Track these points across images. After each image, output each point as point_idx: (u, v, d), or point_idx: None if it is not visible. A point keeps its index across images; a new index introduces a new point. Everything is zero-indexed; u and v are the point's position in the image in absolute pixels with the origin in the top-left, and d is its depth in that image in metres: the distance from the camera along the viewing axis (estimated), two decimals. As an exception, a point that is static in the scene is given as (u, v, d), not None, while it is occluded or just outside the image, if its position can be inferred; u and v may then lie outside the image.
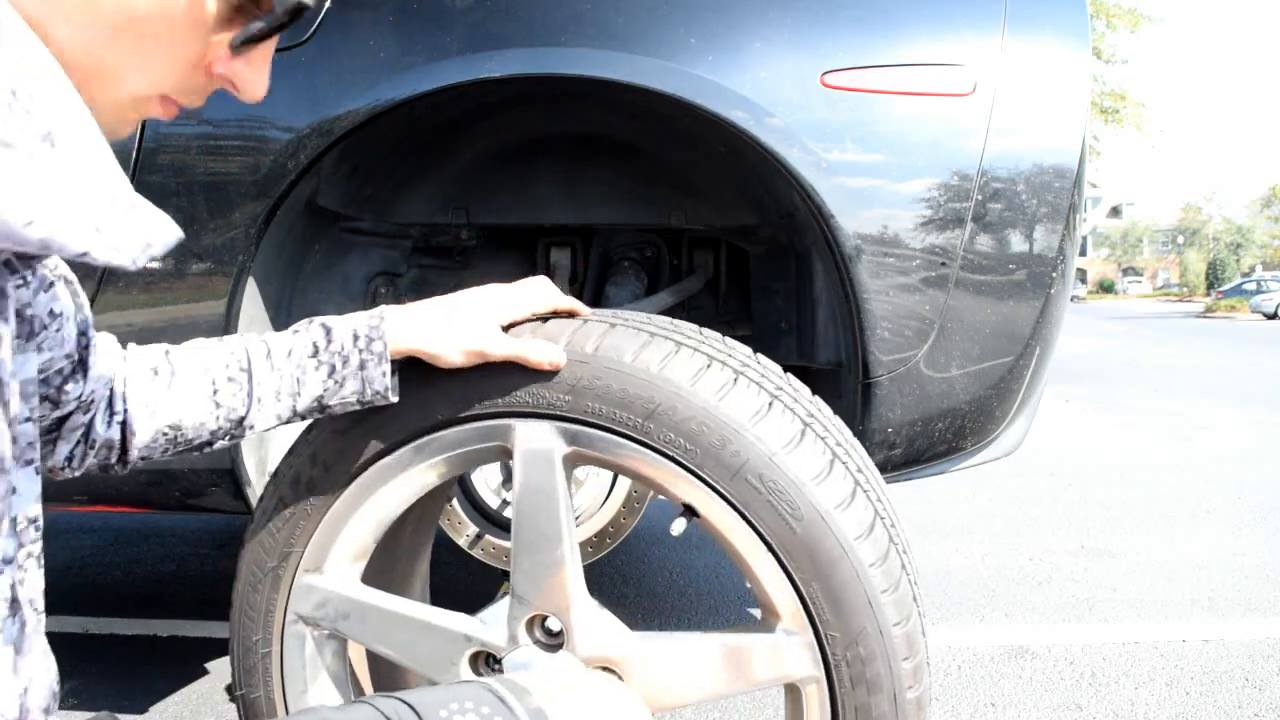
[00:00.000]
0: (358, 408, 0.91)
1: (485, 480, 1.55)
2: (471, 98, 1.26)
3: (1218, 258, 47.66)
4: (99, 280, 1.21)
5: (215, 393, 0.84)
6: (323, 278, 1.45)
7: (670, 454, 0.87)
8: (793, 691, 0.89)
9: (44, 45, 0.50)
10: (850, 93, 1.13)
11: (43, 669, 0.63)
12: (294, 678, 1.03)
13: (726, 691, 0.90)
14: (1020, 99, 1.14)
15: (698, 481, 0.87)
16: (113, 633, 2.20)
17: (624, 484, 1.57)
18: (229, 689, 1.07)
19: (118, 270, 0.53)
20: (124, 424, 0.82)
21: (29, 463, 0.62)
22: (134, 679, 1.92)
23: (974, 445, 1.27)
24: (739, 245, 1.57)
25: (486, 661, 0.97)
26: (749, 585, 1.04)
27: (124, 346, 0.86)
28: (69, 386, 0.75)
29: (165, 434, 0.84)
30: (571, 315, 0.94)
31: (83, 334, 0.75)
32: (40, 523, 0.63)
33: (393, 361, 0.89)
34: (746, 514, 0.86)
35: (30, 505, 0.62)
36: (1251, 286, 30.49)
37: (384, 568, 1.13)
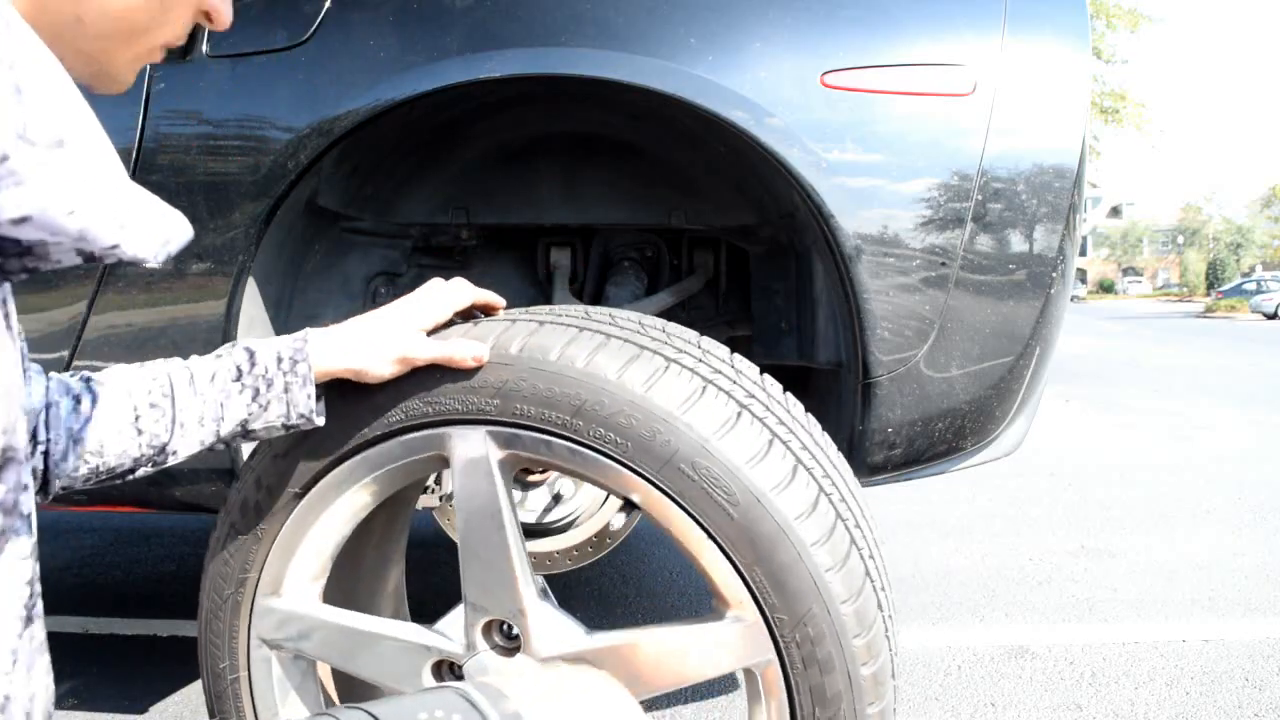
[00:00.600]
0: (283, 432, 0.90)
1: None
2: (471, 98, 1.26)
3: (1218, 258, 47.65)
4: (99, 280, 1.21)
5: (138, 419, 0.82)
6: (323, 278, 1.45)
7: (601, 449, 0.87)
8: (750, 677, 0.89)
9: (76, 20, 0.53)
10: (850, 93, 1.13)
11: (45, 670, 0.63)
12: (264, 700, 1.04)
13: (685, 683, 0.90)
14: (1020, 99, 1.14)
15: (631, 474, 0.87)
16: (113, 633, 2.20)
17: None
18: (210, 714, 1.07)
19: (135, 264, 0.53)
20: (46, 453, 0.79)
21: None
22: (134, 679, 1.92)
23: (974, 445, 1.27)
24: (739, 245, 1.57)
25: (451, 669, 0.97)
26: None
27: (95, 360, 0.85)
28: None
29: (87, 462, 0.81)
30: (490, 310, 0.97)
31: (22, 357, 0.73)
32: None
33: (318, 385, 0.89)
34: (682, 503, 0.85)
35: None
36: (1251, 286, 30.48)
37: (349, 584, 1.13)
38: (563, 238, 1.66)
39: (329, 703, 1.11)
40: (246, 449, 1.28)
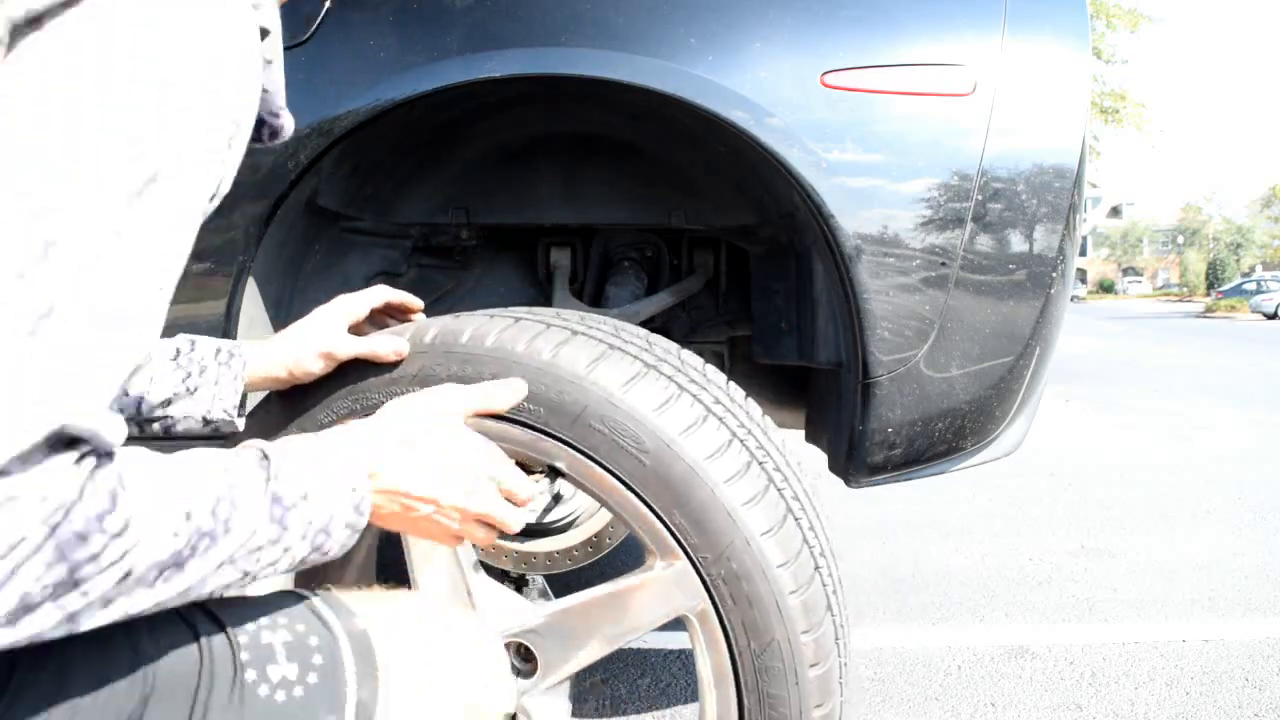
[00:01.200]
0: (201, 426, 0.91)
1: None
2: (471, 98, 1.26)
3: (1218, 258, 47.67)
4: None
5: None
6: (323, 278, 1.45)
7: (517, 419, 0.91)
8: (692, 627, 0.92)
9: None
10: (850, 93, 1.13)
11: None
12: None
13: (631, 635, 0.93)
14: (1020, 99, 1.14)
15: (548, 438, 0.91)
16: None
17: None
18: None
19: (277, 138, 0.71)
20: None
21: None
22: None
23: (974, 445, 1.27)
24: (739, 245, 1.57)
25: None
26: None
27: None
28: None
29: None
30: (410, 310, 1.04)
31: None
32: None
33: (248, 394, 0.93)
34: (597, 457, 0.90)
35: None
36: (1251, 286, 30.49)
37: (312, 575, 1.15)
38: (563, 238, 1.66)
39: None
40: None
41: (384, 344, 0.94)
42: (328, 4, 1.17)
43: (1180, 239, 57.36)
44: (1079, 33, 1.17)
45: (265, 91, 0.64)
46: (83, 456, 0.47)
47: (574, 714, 1.00)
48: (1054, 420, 5.58)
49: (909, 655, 2.06)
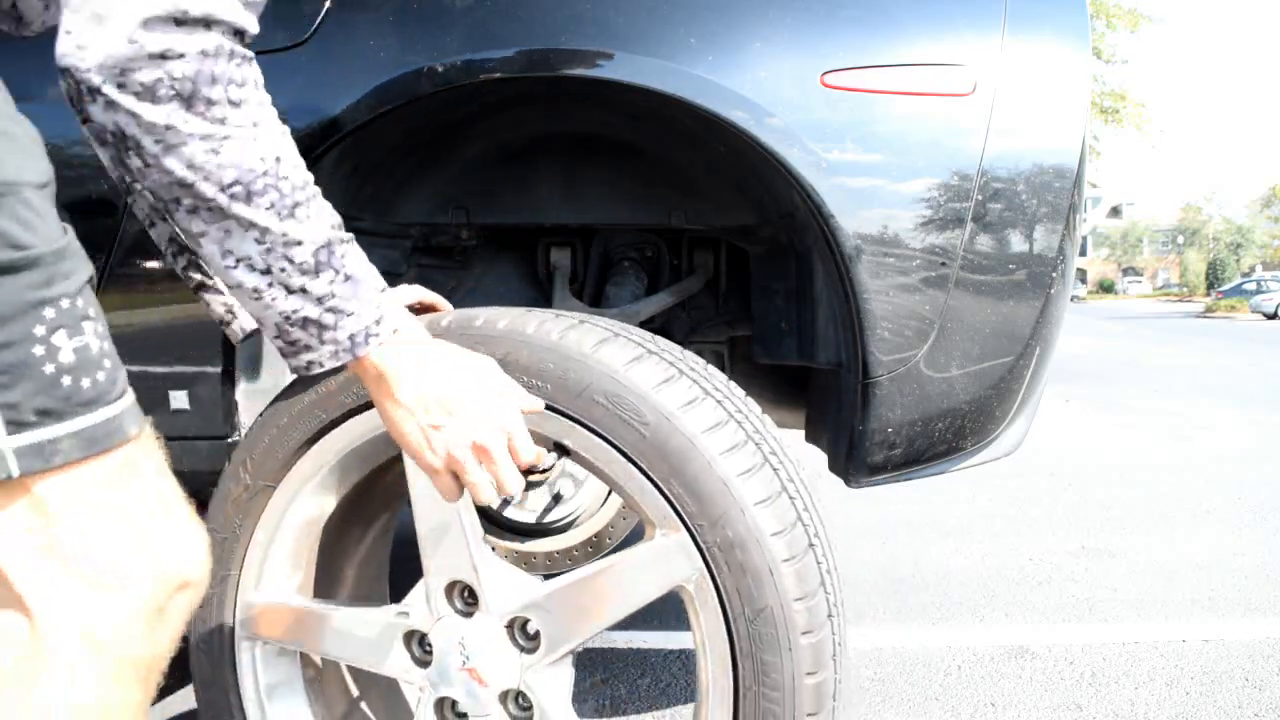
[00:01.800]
0: (213, 311, 1.00)
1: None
2: (472, 98, 1.26)
3: (1218, 258, 47.66)
4: (100, 280, 1.21)
5: None
6: (323, 278, 1.45)
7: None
8: (689, 598, 0.95)
9: None
10: (850, 93, 1.13)
11: None
12: (250, 695, 1.10)
13: (632, 607, 0.96)
14: (1020, 99, 1.14)
15: (553, 414, 0.96)
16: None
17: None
18: None
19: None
20: None
21: None
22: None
23: (974, 445, 1.27)
24: (739, 245, 1.57)
25: (421, 642, 1.04)
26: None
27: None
28: None
29: None
30: (434, 310, 1.07)
31: None
32: None
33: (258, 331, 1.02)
34: (599, 430, 0.94)
35: None
36: (1251, 286, 30.48)
37: (335, 577, 1.19)
38: (563, 238, 1.66)
39: (316, 694, 1.15)
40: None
41: None
42: (328, 4, 1.17)
43: (1180, 239, 57.36)
44: (1079, 33, 1.17)
45: None
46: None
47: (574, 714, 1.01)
48: (1054, 420, 5.59)
49: (909, 655, 2.06)
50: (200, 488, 1.30)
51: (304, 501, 1.06)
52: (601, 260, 1.68)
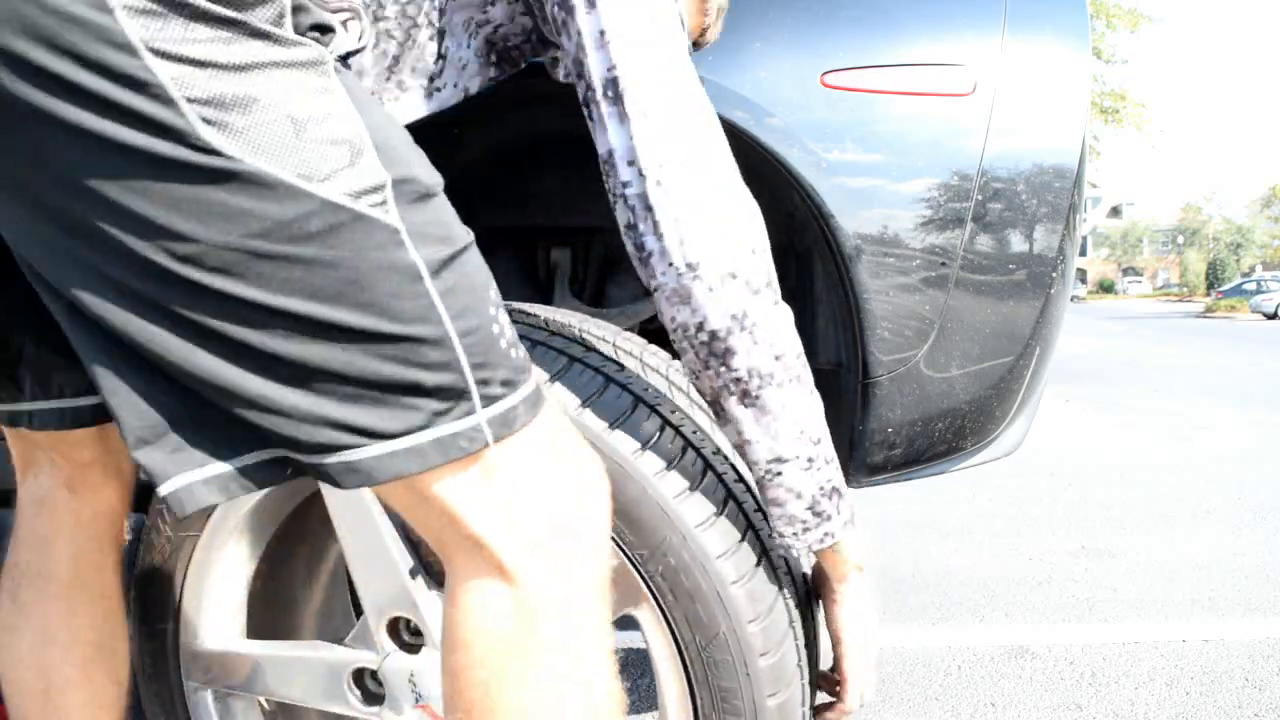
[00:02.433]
0: None
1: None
2: (472, 98, 1.26)
3: (1218, 258, 47.68)
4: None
5: None
6: (323, 278, 1.45)
7: None
8: (644, 625, 0.91)
9: None
10: (850, 93, 1.13)
11: None
12: None
13: None
14: (1020, 99, 1.14)
15: None
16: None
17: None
18: None
19: None
20: None
21: None
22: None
23: (974, 445, 1.27)
24: (739, 245, 1.57)
25: (373, 676, 1.00)
26: None
27: None
28: None
29: None
30: None
31: None
32: None
33: None
34: None
35: None
36: (1251, 286, 30.49)
37: (283, 613, 1.15)
38: (563, 238, 1.66)
39: None
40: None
41: None
42: None
43: (1180, 239, 57.37)
44: (1079, 33, 1.17)
45: None
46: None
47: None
48: (1054, 420, 5.59)
49: (909, 655, 2.06)
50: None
51: (229, 548, 1.02)
52: (601, 260, 1.68)
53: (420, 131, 1.35)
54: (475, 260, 0.63)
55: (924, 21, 1.15)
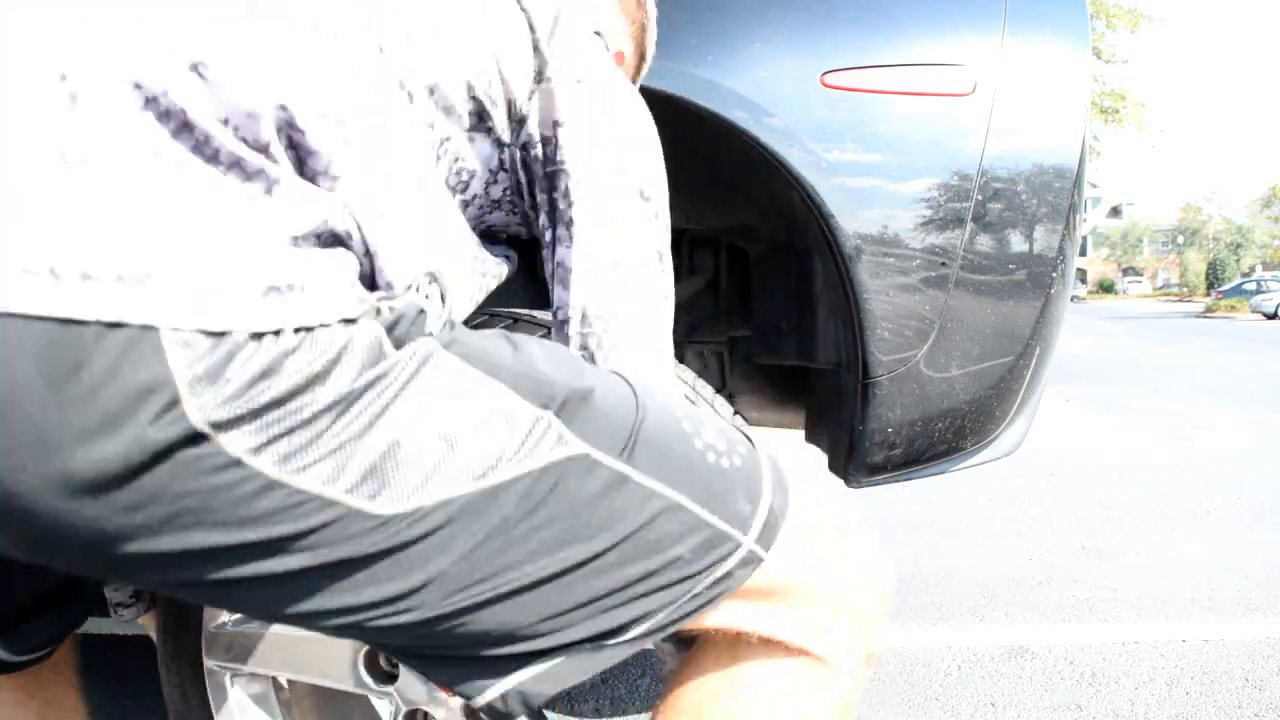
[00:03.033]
0: None
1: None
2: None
3: (1218, 258, 47.67)
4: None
5: None
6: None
7: None
8: None
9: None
10: (850, 93, 1.13)
11: None
12: None
13: None
14: (1020, 99, 1.14)
15: None
16: (112, 633, 2.20)
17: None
18: None
19: None
20: None
21: None
22: (136, 679, 1.92)
23: (974, 445, 1.27)
24: (739, 245, 1.57)
25: (387, 658, 1.01)
26: None
27: None
28: None
29: None
30: None
31: None
32: None
33: None
34: None
35: None
36: (1251, 286, 30.47)
37: None
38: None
39: (288, 713, 1.14)
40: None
41: None
42: None
43: (1180, 239, 57.37)
44: (1079, 33, 1.17)
45: None
46: None
47: (574, 713, 1.01)
48: (1054, 420, 5.58)
49: (909, 655, 2.06)
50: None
51: None
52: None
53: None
54: (650, 403, 0.61)
55: (924, 21, 1.15)
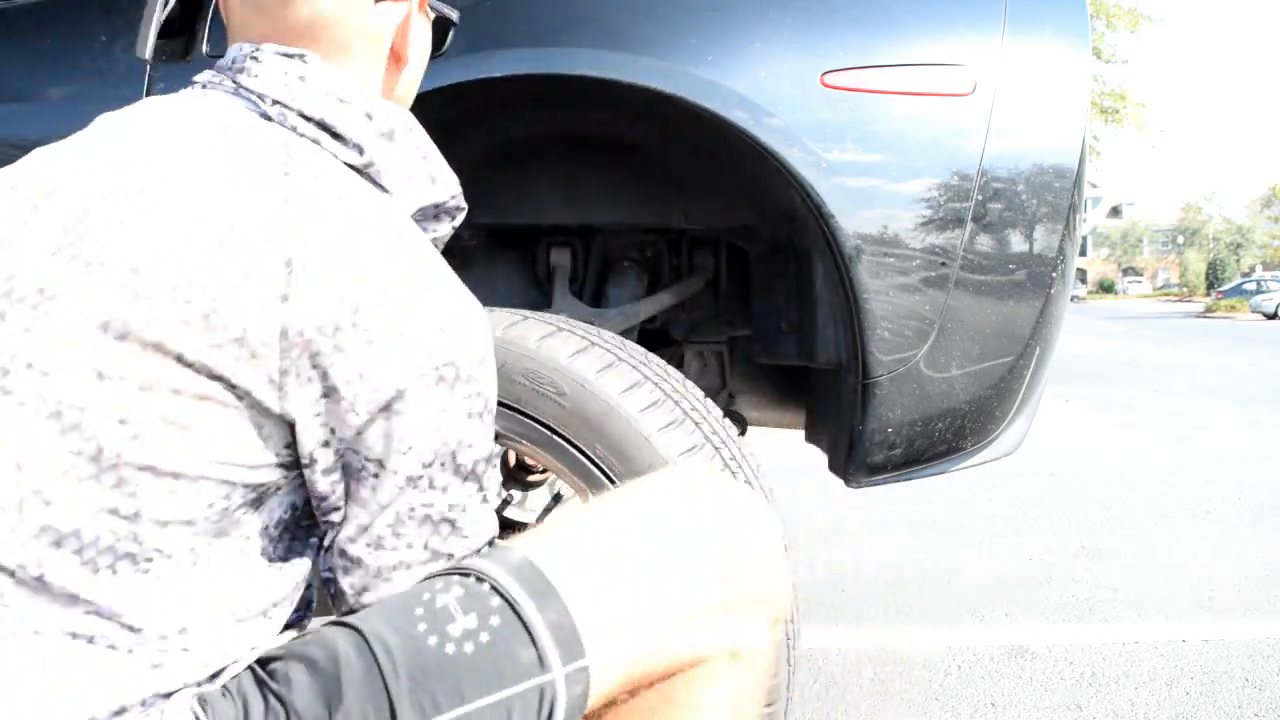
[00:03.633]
0: None
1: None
2: (471, 97, 1.26)
3: (1218, 258, 47.67)
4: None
5: None
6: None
7: None
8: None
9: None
10: (850, 93, 1.13)
11: None
12: None
13: None
14: (1020, 99, 1.14)
15: None
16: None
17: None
18: None
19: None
20: None
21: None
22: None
23: (974, 445, 1.27)
24: (739, 245, 1.57)
25: None
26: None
27: None
28: None
29: None
30: None
31: None
32: None
33: None
34: (521, 408, 0.99)
35: None
36: (1251, 286, 30.45)
37: None
38: (563, 238, 1.66)
39: None
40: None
41: None
42: None
43: (1180, 239, 57.34)
44: (1079, 33, 1.17)
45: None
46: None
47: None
48: (1054, 420, 5.58)
49: (909, 655, 2.06)
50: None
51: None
52: (601, 260, 1.68)
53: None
54: (381, 645, 0.61)
55: (924, 21, 1.15)
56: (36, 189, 0.63)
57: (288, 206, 0.61)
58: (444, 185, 0.81)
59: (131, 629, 0.57)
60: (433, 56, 0.92)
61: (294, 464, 0.64)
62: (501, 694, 0.60)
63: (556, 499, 2.25)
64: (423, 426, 0.62)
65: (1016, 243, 1.17)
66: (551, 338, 1.02)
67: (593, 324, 1.19)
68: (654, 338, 1.68)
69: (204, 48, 1.18)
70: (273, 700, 0.59)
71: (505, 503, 1.80)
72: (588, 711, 0.66)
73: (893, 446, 1.22)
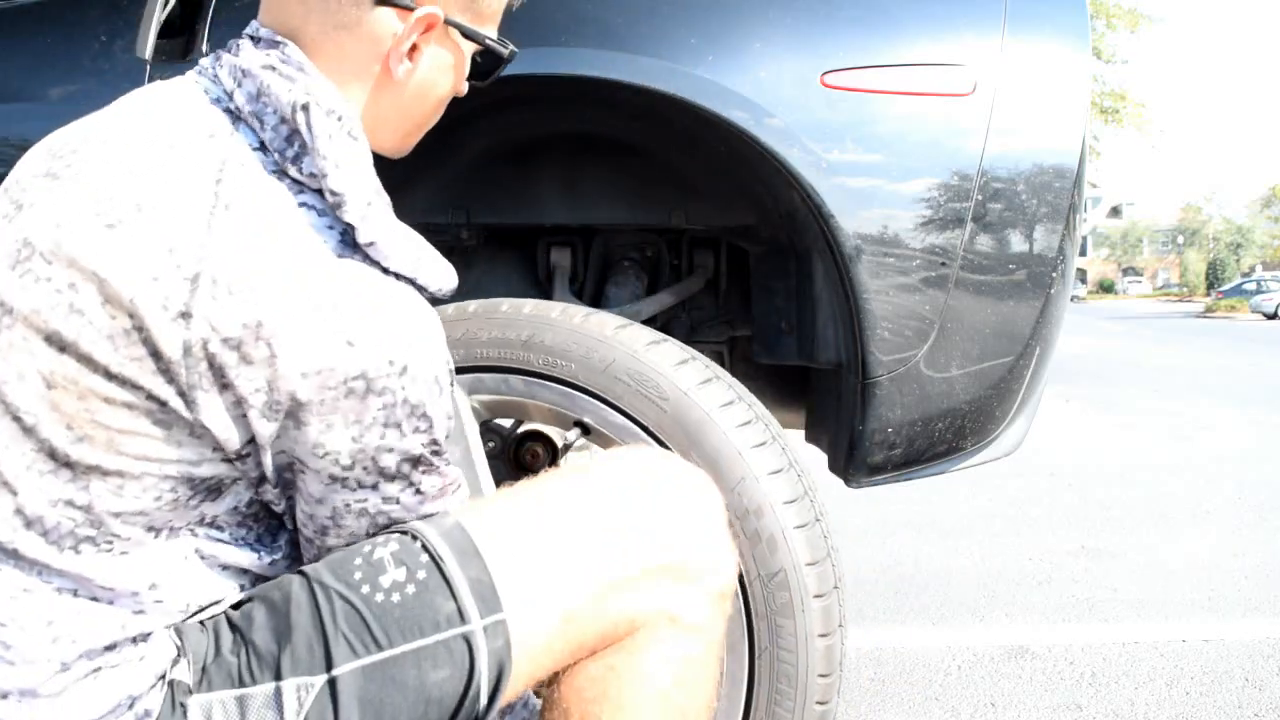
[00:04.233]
0: None
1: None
2: (471, 98, 1.26)
3: (1218, 258, 47.67)
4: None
5: None
6: (323, 278, 1.45)
7: (550, 374, 1.05)
8: None
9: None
10: (850, 93, 1.13)
11: None
12: None
13: None
14: (1020, 99, 1.14)
15: (577, 392, 1.04)
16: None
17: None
18: None
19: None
20: None
21: None
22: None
23: (974, 445, 1.27)
24: (739, 245, 1.57)
25: None
26: None
27: None
28: None
29: None
30: None
31: None
32: None
33: None
34: (621, 406, 1.00)
35: None
36: (1251, 286, 30.46)
37: None
38: (563, 238, 1.65)
39: None
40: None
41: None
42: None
43: (1180, 239, 57.33)
44: (1079, 33, 1.17)
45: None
46: None
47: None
48: (1054, 420, 5.58)
49: (909, 655, 2.06)
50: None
51: None
52: (601, 260, 1.68)
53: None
54: (320, 586, 0.69)
55: (924, 21, 1.15)
56: (7, 203, 0.69)
57: (204, 229, 0.63)
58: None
59: (103, 588, 0.65)
60: (473, 90, 0.92)
61: (241, 457, 0.68)
62: (424, 641, 0.66)
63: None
64: (336, 434, 0.66)
65: (1016, 243, 1.17)
66: (658, 345, 1.06)
67: None
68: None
69: (204, 48, 1.18)
70: (237, 635, 0.67)
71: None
72: (540, 681, 0.72)
73: (893, 446, 1.22)
